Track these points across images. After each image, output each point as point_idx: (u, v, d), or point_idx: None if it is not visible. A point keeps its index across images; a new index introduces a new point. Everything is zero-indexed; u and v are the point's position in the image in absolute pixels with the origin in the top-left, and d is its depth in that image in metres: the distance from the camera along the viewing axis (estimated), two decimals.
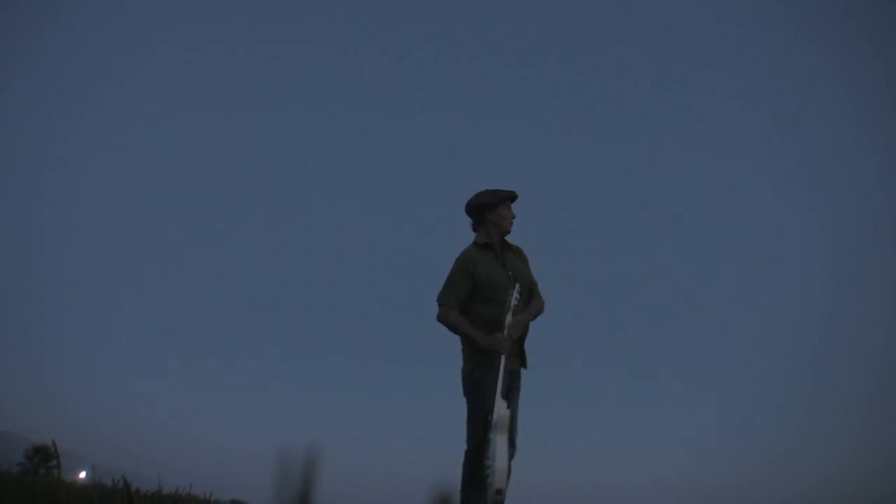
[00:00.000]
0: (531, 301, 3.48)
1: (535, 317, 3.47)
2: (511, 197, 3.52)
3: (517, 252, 3.59)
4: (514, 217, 3.53)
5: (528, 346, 3.47)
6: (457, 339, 3.41)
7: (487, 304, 3.33)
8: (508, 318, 3.25)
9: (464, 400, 3.35)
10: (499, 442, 2.98)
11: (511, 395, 3.32)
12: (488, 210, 3.48)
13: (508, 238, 3.56)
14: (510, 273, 3.43)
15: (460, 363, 3.41)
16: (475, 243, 3.49)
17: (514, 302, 3.28)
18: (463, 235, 3.63)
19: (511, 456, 3.24)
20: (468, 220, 3.58)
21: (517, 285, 3.32)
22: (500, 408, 3.08)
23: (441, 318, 3.35)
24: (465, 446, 3.22)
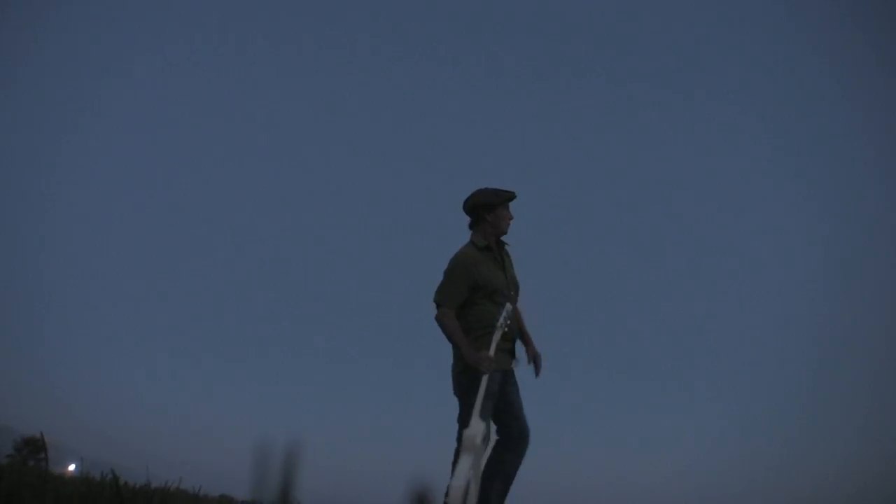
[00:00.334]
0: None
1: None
2: (511, 198, 3.48)
3: (507, 253, 3.57)
4: (511, 219, 3.50)
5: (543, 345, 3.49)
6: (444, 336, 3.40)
7: (485, 305, 3.33)
8: (497, 337, 3.25)
9: (454, 399, 3.36)
10: (464, 460, 2.89)
11: (507, 388, 3.31)
12: (488, 210, 3.44)
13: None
14: (508, 277, 3.43)
15: (450, 360, 3.40)
16: (475, 244, 3.44)
17: (506, 323, 3.28)
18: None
19: (518, 452, 3.23)
20: (465, 218, 3.54)
21: (510, 307, 3.28)
22: (476, 427, 3.05)
23: (440, 319, 3.31)
24: (455, 444, 3.23)
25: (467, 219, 3.55)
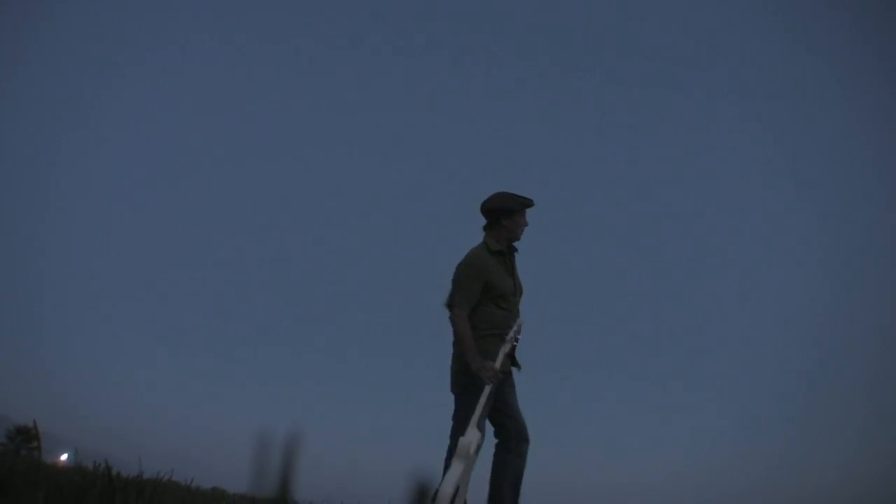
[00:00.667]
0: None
1: None
2: (529, 205, 3.48)
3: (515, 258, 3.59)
4: (527, 225, 3.50)
5: (530, 347, 3.47)
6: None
7: (489, 308, 3.33)
8: (504, 350, 3.25)
9: (450, 395, 3.36)
10: (455, 467, 2.92)
11: (504, 389, 3.32)
12: (506, 216, 3.43)
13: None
14: (515, 282, 3.45)
15: (450, 354, 3.40)
16: (488, 247, 3.44)
17: (516, 336, 3.29)
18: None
19: (518, 452, 3.23)
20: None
21: (521, 322, 3.31)
22: (471, 436, 3.03)
23: (453, 321, 3.29)
24: (449, 442, 3.23)
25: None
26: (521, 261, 3.59)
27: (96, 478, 2.28)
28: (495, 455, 3.26)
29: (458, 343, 3.28)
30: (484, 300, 3.34)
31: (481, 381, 3.11)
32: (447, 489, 2.84)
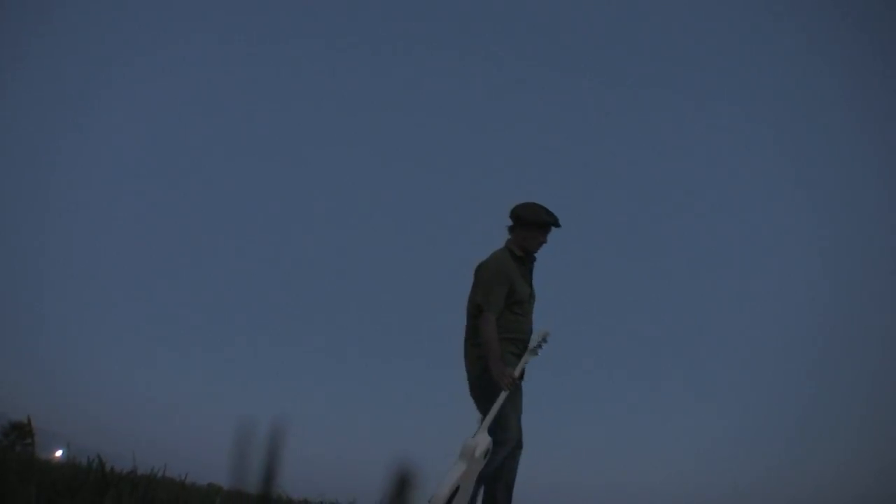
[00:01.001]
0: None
1: None
2: (555, 224, 3.50)
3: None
4: (545, 243, 3.54)
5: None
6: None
7: (508, 314, 3.36)
8: (526, 360, 3.28)
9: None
10: (457, 467, 2.92)
11: (513, 394, 3.33)
12: (526, 227, 3.47)
13: None
14: (531, 290, 3.50)
15: (462, 351, 3.43)
16: (511, 252, 3.48)
17: (540, 346, 3.32)
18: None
19: (514, 456, 3.25)
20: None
21: (547, 333, 3.35)
22: (480, 440, 3.03)
23: (482, 326, 3.30)
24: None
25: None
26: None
27: (89, 473, 2.28)
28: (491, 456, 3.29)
29: (484, 347, 3.28)
30: (505, 309, 3.38)
31: (498, 388, 3.15)
32: (443, 491, 2.81)
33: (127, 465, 2.88)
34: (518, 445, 3.30)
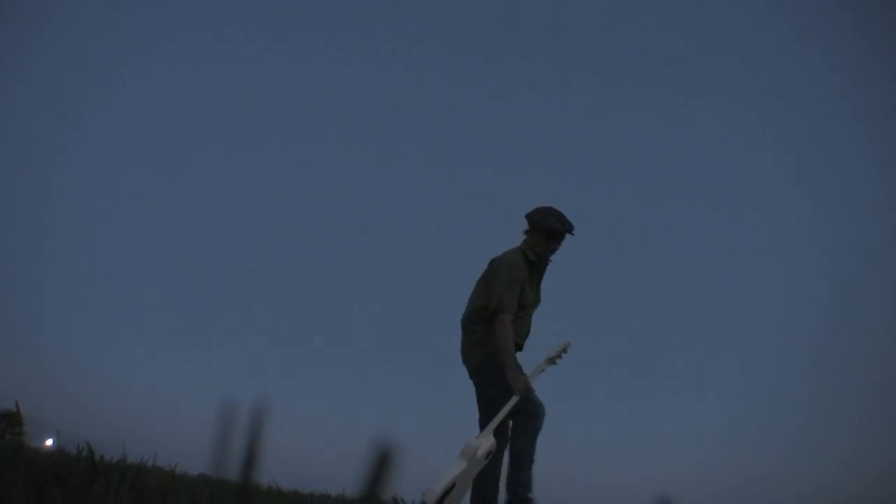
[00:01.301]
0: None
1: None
2: (570, 232, 3.49)
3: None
4: (556, 250, 3.52)
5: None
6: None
7: (514, 319, 3.36)
8: (543, 368, 3.30)
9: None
10: (455, 465, 2.90)
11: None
12: (543, 234, 3.46)
13: None
14: (536, 295, 3.51)
15: (481, 351, 3.41)
16: (525, 255, 3.47)
17: (560, 356, 3.33)
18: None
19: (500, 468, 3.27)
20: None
21: (568, 344, 3.36)
22: (484, 440, 3.03)
23: (501, 327, 3.29)
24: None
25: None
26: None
27: (79, 461, 2.29)
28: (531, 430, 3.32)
29: (500, 349, 3.27)
30: None
31: (510, 392, 3.15)
32: (438, 487, 2.78)
33: (117, 454, 2.89)
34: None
